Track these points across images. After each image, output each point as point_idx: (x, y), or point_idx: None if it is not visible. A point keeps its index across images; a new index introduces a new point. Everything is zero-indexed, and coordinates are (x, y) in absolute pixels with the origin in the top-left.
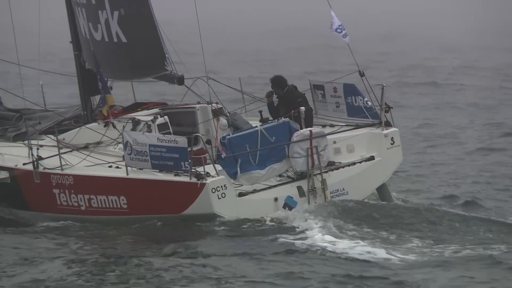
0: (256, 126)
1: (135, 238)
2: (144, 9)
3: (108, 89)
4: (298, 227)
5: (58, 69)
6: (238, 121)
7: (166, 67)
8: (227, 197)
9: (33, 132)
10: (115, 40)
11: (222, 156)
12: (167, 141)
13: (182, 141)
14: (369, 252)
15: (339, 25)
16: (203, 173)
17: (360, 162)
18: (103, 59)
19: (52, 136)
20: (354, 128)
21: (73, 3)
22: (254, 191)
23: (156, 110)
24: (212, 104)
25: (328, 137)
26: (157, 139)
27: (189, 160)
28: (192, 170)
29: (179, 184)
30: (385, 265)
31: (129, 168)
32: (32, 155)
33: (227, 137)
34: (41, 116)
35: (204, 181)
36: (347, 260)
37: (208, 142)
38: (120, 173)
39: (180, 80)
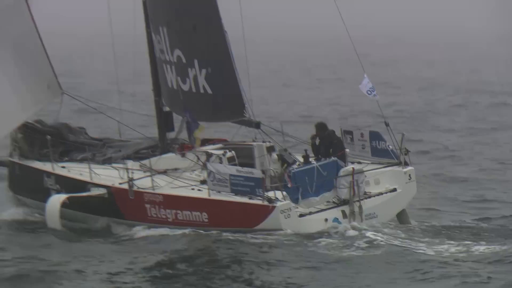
0: (313, 163)
1: (210, 249)
2: (229, 68)
3: (197, 124)
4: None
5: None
6: (286, 156)
7: (245, 114)
8: (291, 217)
9: (120, 157)
10: (202, 91)
11: (288, 185)
12: (244, 172)
13: (257, 173)
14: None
15: (370, 88)
16: (274, 198)
17: (386, 193)
18: (189, 105)
19: (132, 161)
20: (378, 165)
21: (159, 61)
22: (310, 213)
23: (220, 145)
24: (266, 143)
25: None
26: (236, 170)
27: (263, 187)
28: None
29: (255, 205)
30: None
31: (208, 190)
32: (128, 177)
33: (293, 171)
34: (120, 145)
35: (275, 204)
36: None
37: (263, 172)
38: (203, 194)
39: (257, 125)
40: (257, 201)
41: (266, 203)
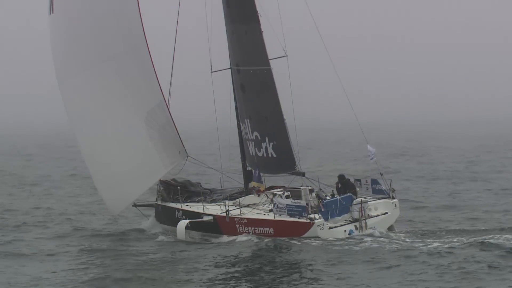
0: (337, 197)
1: (274, 248)
2: (286, 141)
3: (262, 181)
4: (356, 240)
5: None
6: (320, 195)
7: (295, 168)
8: (324, 229)
9: (221, 199)
10: (270, 156)
11: (322, 210)
12: (296, 203)
13: (303, 203)
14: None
15: (372, 153)
16: (313, 217)
17: (381, 215)
18: (262, 165)
19: (228, 200)
20: (376, 198)
21: (245, 139)
22: (336, 226)
23: (281, 189)
24: (308, 187)
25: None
26: (290, 201)
27: (307, 212)
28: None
29: (302, 223)
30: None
31: (274, 214)
32: (226, 209)
33: (325, 201)
34: (221, 191)
35: (313, 222)
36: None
37: (306, 203)
38: (270, 217)
39: (303, 174)
40: (303, 220)
41: (308, 221)
